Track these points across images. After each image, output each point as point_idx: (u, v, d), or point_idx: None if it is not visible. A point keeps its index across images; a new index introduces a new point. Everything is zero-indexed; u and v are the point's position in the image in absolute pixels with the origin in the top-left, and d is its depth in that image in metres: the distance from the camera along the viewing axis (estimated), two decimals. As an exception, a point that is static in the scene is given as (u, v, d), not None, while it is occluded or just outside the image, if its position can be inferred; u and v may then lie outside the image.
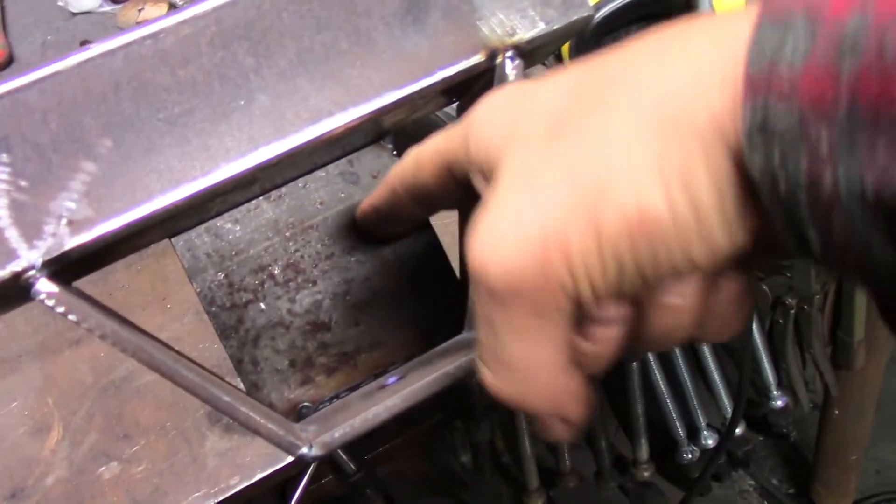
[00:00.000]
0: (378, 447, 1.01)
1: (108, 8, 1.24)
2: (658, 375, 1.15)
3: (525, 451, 1.10)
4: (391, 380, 0.48)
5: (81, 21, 1.24)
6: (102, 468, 0.75)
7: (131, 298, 0.90)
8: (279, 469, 0.74)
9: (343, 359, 0.51)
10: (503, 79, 0.46)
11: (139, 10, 1.20)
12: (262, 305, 0.50)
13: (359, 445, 1.08)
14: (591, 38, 0.92)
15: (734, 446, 1.22)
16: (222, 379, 0.44)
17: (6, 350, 0.88)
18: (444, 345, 0.51)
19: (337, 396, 0.51)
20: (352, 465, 0.97)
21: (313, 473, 0.97)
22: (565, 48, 0.94)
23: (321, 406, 0.51)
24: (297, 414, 0.50)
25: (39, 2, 1.29)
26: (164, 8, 1.17)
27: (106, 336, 0.39)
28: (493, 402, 1.10)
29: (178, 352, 0.42)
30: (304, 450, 0.40)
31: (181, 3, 1.17)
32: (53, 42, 1.22)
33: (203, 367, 0.41)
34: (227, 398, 0.40)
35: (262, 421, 0.40)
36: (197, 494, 0.72)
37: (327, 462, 1.02)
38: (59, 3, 1.24)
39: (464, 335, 0.51)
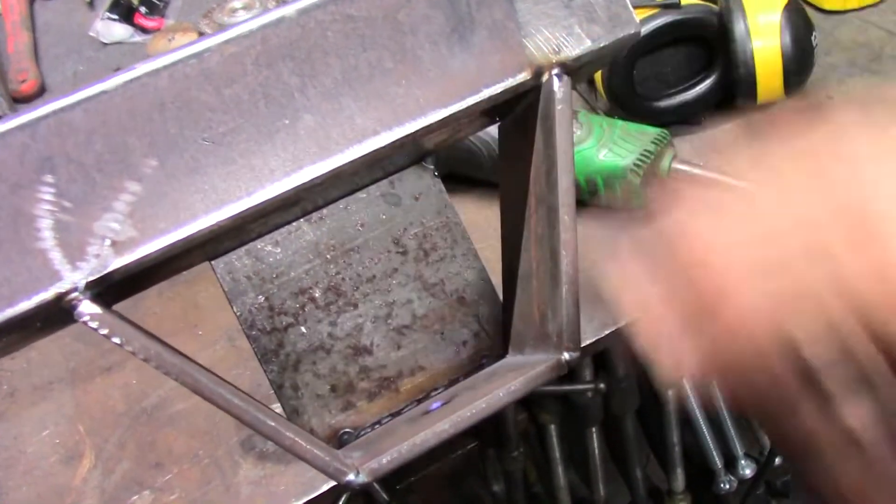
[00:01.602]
0: (410, 476, 1.00)
1: (139, 38, 1.25)
2: (695, 403, 1.12)
3: (558, 482, 1.08)
4: (435, 405, 0.47)
5: (113, 51, 1.25)
6: (135, 497, 0.74)
7: (163, 325, 0.90)
8: (314, 497, 0.73)
9: (385, 383, 0.50)
10: (550, 97, 0.45)
11: (169, 41, 1.21)
12: (303, 329, 0.50)
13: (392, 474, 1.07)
14: (625, 61, 0.91)
15: (773, 476, 1.19)
16: (264, 404, 0.43)
17: (38, 377, 0.88)
18: (489, 369, 0.50)
19: (379, 422, 0.50)
20: (384, 496, 0.95)
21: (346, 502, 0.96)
22: (598, 72, 0.93)
23: (363, 432, 0.50)
24: (338, 440, 0.49)
25: (71, 32, 1.30)
26: (193, 37, 1.18)
27: (150, 359, 0.38)
28: (525, 429, 1.08)
29: (219, 376, 0.41)
30: (351, 476, 0.39)
31: (209, 32, 1.18)
32: (85, 72, 1.23)
33: (244, 392, 0.40)
34: (271, 423, 0.39)
35: (307, 447, 0.39)
36: (231, 524, 0.71)
37: (360, 492, 1.00)
38: (91, 34, 1.25)
39: (508, 359, 0.50)
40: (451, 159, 0.92)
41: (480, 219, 0.83)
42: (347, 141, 0.43)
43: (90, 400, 0.83)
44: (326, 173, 0.42)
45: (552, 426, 1.03)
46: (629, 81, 0.93)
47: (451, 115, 0.44)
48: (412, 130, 0.43)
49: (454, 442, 1.06)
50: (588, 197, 0.87)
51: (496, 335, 0.53)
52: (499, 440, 0.99)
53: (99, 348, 0.86)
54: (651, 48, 0.92)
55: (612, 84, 0.93)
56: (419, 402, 0.50)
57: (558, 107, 0.44)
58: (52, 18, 1.35)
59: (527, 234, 0.48)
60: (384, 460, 0.40)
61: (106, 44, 1.25)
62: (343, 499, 0.90)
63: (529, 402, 1.01)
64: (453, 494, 1.62)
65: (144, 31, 1.25)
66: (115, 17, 1.23)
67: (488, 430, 1.00)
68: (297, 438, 0.39)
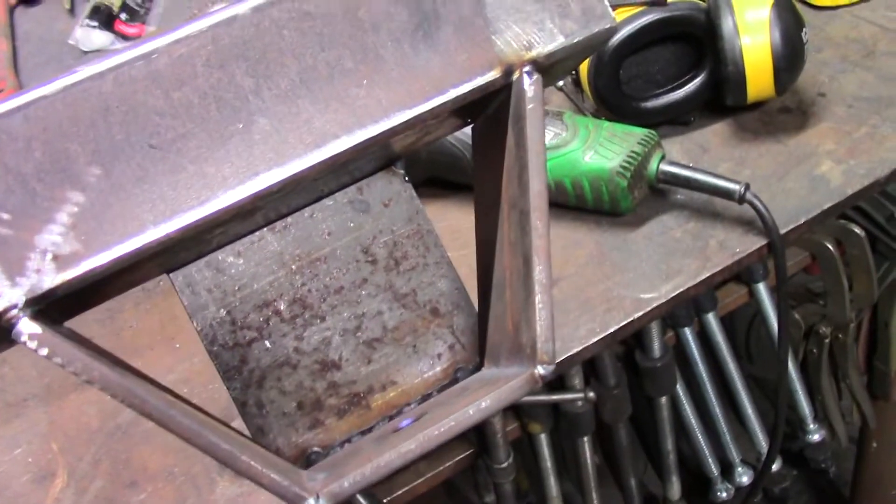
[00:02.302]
0: (397, 489, 0.97)
1: (119, 46, 1.23)
2: (689, 410, 1.10)
3: (550, 491, 1.05)
4: (405, 422, 0.44)
5: (92, 60, 1.23)
6: (108, 517, 0.72)
7: (139, 339, 0.87)
8: (292, 516, 0.70)
9: (354, 400, 0.48)
10: (521, 96, 0.43)
11: (151, 47, 1.19)
12: (268, 344, 0.47)
13: (377, 487, 1.05)
14: (610, 60, 0.89)
15: (770, 483, 1.17)
16: (223, 423, 0.40)
17: (11, 394, 0.85)
18: (462, 383, 0.48)
19: (349, 440, 0.48)
20: (370, 510, 0.93)
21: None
22: (584, 71, 0.91)
23: (332, 451, 0.47)
24: (305, 460, 0.47)
25: (51, 40, 1.28)
26: (175, 43, 1.16)
27: (94, 381, 0.36)
28: (517, 439, 1.05)
29: (176, 394, 0.38)
30: (311, 501, 0.37)
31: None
32: (66, 81, 1.21)
33: (202, 411, 0.38)
34: (225, 445, 0.36)
35: (264, 471, 0.36)
36: (206, 545, 0.68)
37: (345, 506, 0.98)
38: (70, 42, 1.23)
39: (483, 372, 0.48)
40: (432, 164, 0.90)
41: (463, 225, 0.81)
42: (305, 146, 0.40)
43: (64, 417, 0.80)
44: (283, 180, 0.40)
45: (542, 435, 1.00)
46: (615, 82, 0.90)
47: (416, 117, 0.42)
48: (375, 134, 0.41)
49: (442, 452, 1.04)
50: (574, 200, 0.85)
51: (472, 347, 0.50)
52: (488, 449, 0.96)
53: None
54: (637, 47, 0.90)
55: (599, 85, 0.90)
56: (391, 418, 0.48)
57: (529, 106, 0.42)
58: (33, 27, 1.33)
59: (500, 241, 0.45)
60: (345, 483, 0.37)
61: (86, 52, 1.22)
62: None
63: (519, 412, 0.98)
64: (449, 498, 1.59)
65: (125, 38, 1.23)
66: (95, 24, 1.21)
67: (476, 439, 0.97)
68: (252, 462, 0.37)
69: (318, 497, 0.37)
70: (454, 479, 1.50)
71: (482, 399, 0.40)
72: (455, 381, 0.49)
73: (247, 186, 0.39)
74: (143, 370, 0.41)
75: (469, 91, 0.42)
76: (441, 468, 0.99)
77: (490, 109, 0.46)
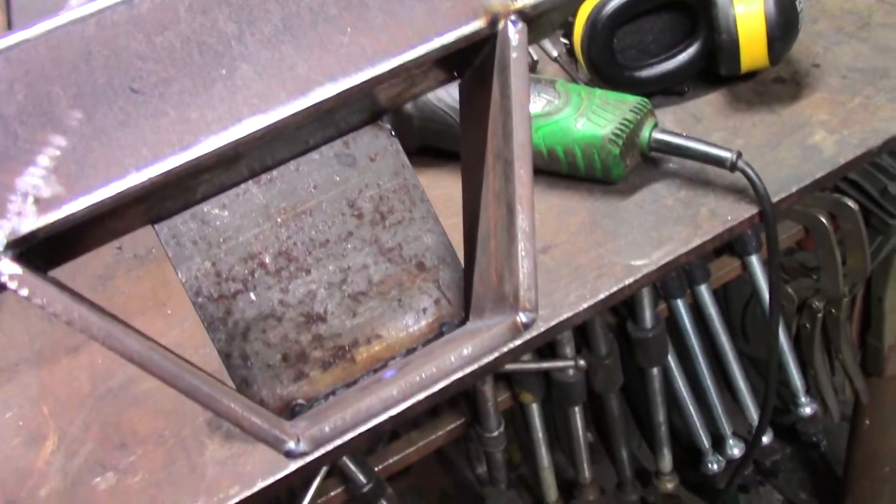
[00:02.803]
0: (389, 457, 0.97)
1: None
2: (681, 382, 1.10)
3: (542, 462, 1.05)
4: (389, 373, 0.44)
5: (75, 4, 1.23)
6: (98, 479, 0.72)
7: (131, 304, 0.87)
8: (282, 478, 0.70)
9: (339, 352, 0.48)
10: (505, 46, 0.42)
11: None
12: (252, 296, 0.47)
13: (369, 456, 1.05)
14: (604, 29, 0.89)
15: (761, 456, 1.17)
16: (208, 374, 0.40)
17: (3, 359, 0.85)
18: (447, 336, 0.48)
19: (333, 393, 0.48)
20: (362, 478, 0.93)
21: (320, 485, 0.94)
22: (578, 41, 0.90)
23: (316, 403, 0.47)
24: (290, 412, 0.47)
25: (46, 10, 1.28)
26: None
27: (74, 323, 0.36)
28: (509, 409, 1.06)
29: (154, 340, 0.38)
30: (291, 445, 0.37)
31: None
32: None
33: (180, 357, 0.38)
34: (206, 389, 0.36)
35: (244, 413, 0.36)
36: (195, 505, 0.69)
37: (337, 474, 0.98)
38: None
39: (468, 325, 0.48)
40: (425, 132, 0.90)
41: (456, 194, 0.81)
42: (289, 93, 0.40)
43: (55, 381, 0.81)
44: (267, 127, 0.40)
45: (534, 405, 1.00)
46: (609, 51, 0.90)
47: (400, 66, 0.42)
48: (359, 82, 0.41)
49: (433, 420, 1.04)
50: (567, 168, 0.85)
51: (458, 302, 0.50)
52: (479, 419, 0.97)
53: (64, 329, 0.84)
54: (631, 16, 0.90)
55: (592, 54, 0.90)
56: (376, 371, 0.48)
57: (514, 55, 0.42)
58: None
59: (485, 193, 0.45)
60: (326, 428, 0.38)
61: None
62: (316, 481, 0.88)
63: (511, 381, 0.99)
64: (443, 480, 1.60)
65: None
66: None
67: (466, 407, 0.98)
68: (233, 405, 0.37)
69: (298, 440, 0.37)
70: (447, 450, 1.50)
71: (464, 347, 0.40)
72: (440, 335, 0.49)
73: (230, 132, 0.39)
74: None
75: (454, 41, 0.42)
76: (433, 437, 0.99)
77: (476, 62, 0.46)
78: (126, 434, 0.74)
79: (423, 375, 0.39)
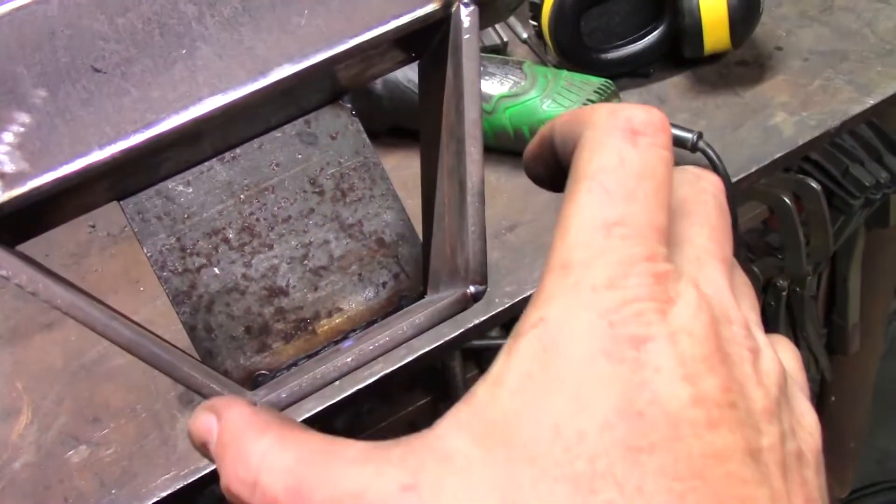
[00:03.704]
0: (359, 433, 0.99)
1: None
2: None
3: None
4: (347, 343, 0.46)
5: None
6: (71, 452, 0.74)
7: (104, 282, 0.89)
8: (251, 450, 0.72)
9: (301, 325, 0.49)
10: (458, 27, 0.44)
11: None
12: (216, 270, 0.49)
13: (342, 433, 1.07)
14: (571, 12, 0.90)
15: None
16: (172, 344, 0.42)
17: (-23, 336, 0.86)
18: (406, 309, 0.50)
19: (295, 364, 0.49)
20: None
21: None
22: (545, 23, 0.92)
23: (279, 374, 0.49)
24: (252, 382, 0.48)
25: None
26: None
27: (38, 293, 0.37)
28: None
29: (119, 313, 0.40)
30: (249, 410, 0.38)
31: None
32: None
33: (145, 328, 0.39)
34: (166, 356, 0.38)
35: (203, 380, 0.38)
36: (166, 476, 0.70)
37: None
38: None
39: (426, 299, 0.50)
40: (395, 112, 0.91)
41: (425, 172, 0.82)
42: (248, 73, 0.41)
43: (29, 357, 0.82)
44: (226, 106, 0.41)
45: (503, 381, 1.02)
46: (576, 33, 0.92)
47: (357, 47, 0.43)
48: (317, 62, 0.42)
49: (410, 394, 1.06)
50: (533, 149, 0.86)
51: (417, 276, 0.52)
52: (449, 394, 0.99)
53: (39, 305, 0.85)
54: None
55: (559, 36, 0.92)
56: (336, 343, 0.50)
57: (465, 36, 0.43)
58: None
59: (440, 170, 0.47)
60: (283, 395, 0.39)
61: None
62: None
63: (479, 358, 1.01)
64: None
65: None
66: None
67: (437, 383, 1.00)
68: (192, 372, 0.39)
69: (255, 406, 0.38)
70: (420, 426, 1.53)
71: (416, 317, 0.42)
72: (399, 308, 0.51)
73: (190, 111, 0.41)
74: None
75: (408, 22, 0.44)
76: (403, 413, 1.01)
77: (433, 44, 0.48)
78: (99, 408, 0.76)
79: (377, 343, 0.41)
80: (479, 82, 0.43)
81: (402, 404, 1.02)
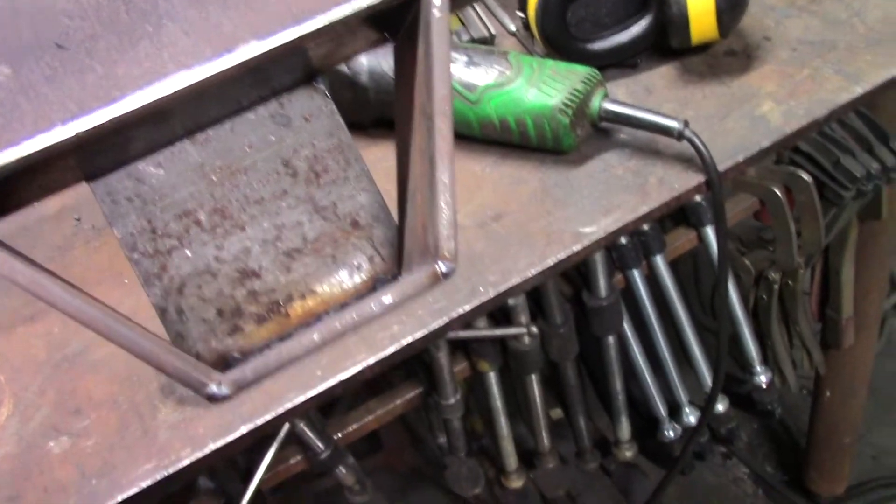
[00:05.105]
0: (349, 425, 0.99)
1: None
2: (638, 352, 1.12)
3: (501, 430, 1.07)
4: (318, 324, 0.46)
5: None
6: (52, 443, 0.73)
7: (88, 275, 0.88)
8: (233, 441, 0.72)
9: (274, 307, 0.49)
10: (429, 6, 0.44)
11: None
12: (188, 252, 0.48)
13: (327, 424, 1.06)
14: (557, 2, 0.90)
15: (717, 424, 1.19)
16: (135, 322, 0.41)
17: (-40, 328, 0.86)
18: (379, 290, 0.49)
19: (268, 346, 0.49)
20: (320, 444, 0.95)
21: (279, 454, 0.95)
22: (532, 14, 0.91)
23: (252, 357, 0.49)
24: (225, 365, 0.48)
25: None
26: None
27: (3, 273, 0.37)
28: (468, 379, 1.07)
29: (80, 289, 0.39)
30: (214, 388, 0.38)
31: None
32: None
33: (108, 306, 0.39)
34: (128, 332, 0.38)
35: (166, 357, 0.38)
36: (147, 467, 0.70)
37: (295, 441, 0.99)
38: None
39: (402, 280, 0.49)
40: (381, 105, 0.90)
41: (410, 162, 0.82)
42: (215, 50, 0.41)
43: (11, 349, 0.81)
44: (193, 84, 0.41)
45: (492, 374, 1.02)
46: (563, 24, 0.91)
47: (326, 25, 0.43)
48: (285, 40, 0.42)
49: (399, 387, 1.05)
50: (519, 138, 0.86)
51: (392, 258, 0.52)
52: (437, 387, 0.98)
53: (22, 298, 0.85)
54: (585, -11, 0.91)
55: (546, 27, 0.91)
56: (309, 326, 0.49)
57: (436, 15, 0.43)
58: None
59: (413, 150, 0.47)
60: (248, 372, 0.39)
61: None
62: (274, 447, 0.90)
63: (468, 350, 1.00)
64: (413, 456, 1.62)
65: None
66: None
67: (423, 374, 0.99)
68: (158, 350, 0.38)
69: (220, 384, 0.38)
70: (411, 421, 1.52)
71: (385, 295, 0.41)
72: (374, 290, 0.50)
73: (156, 88, 0.40)
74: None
75: (378, 1, 0.43)
76: (391, 406, 1.00)
77: (405, 24, 0.47)
78: (81, 400, 0.75)
79: (344, 321, 0.40)
80: (449, 60, 0.42)
81: (389, 397, 1.01)
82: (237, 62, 0.41)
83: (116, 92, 0.40)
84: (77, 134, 0.39)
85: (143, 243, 0.48)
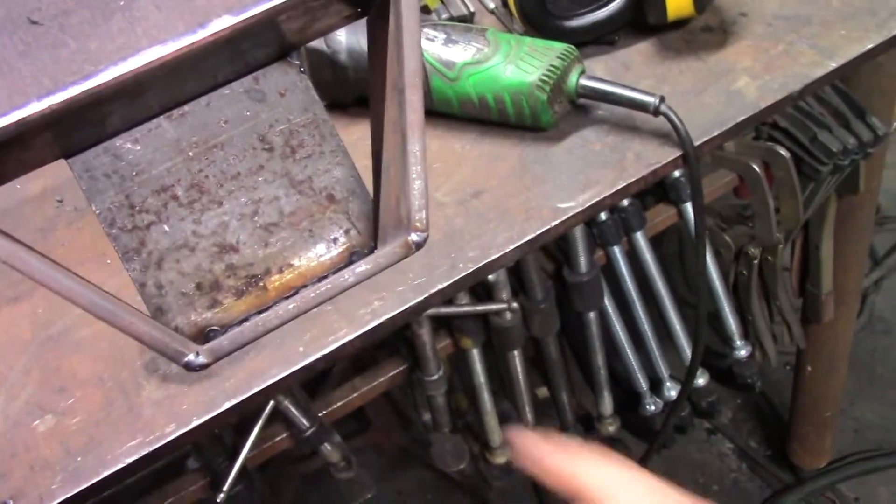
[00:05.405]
0: (334, 402, 1.00)
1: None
2: (618, 327, 1.14)
3: (485, 407, 1.08)
4: (294, 295, 0.47)
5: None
6: (37, 421, 0.74)
7: (71, 255, 0.88)
8: (216, 416, 0.73)
9: (252, 281, 0.50)
10: (399, -20, 0.44)
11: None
12: (166, 227, 0.49)
13: (313, 403, 1.07)
14: (536, -16, 0.90)
15: (698, 397, 1.21)
16: (103, 289, 0.42)
17: (-56, 310, 0.86)
18: (355, 263, 0.50)
19: (247, 319, 0.50)
20: (305, 422, 0.96)
21: (265, 432, 0.96)
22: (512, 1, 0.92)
23: (230, 330, 0.49)
24: (204, 338, 0.49)
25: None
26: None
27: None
28: (452, 356, 1.08)
29: (58, 264, 0.40)
30: (191, 357, 0.39)
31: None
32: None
33: (85, 279, 0.40)
34: (106, 304, 0.38)
35: (143, 327, 0.38)
36: (132, 443, 0.71)
37: (281, 419, 1.00)
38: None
39: (377, 252, 0.50)
40: (361, 83, 0.91)
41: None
42: (187, 24, 0.42)
43: (-4, 329, 0.82)
44: (166, 57, 0.41)
45: (474, 350, 1.03)
46: (540, 1, 0.92)
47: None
48: (257, 13, 0.43)
49: (382, 364, 1.06)
50: (497, 116, 0.87)
51: (367, 231, 0.52)
52: (420, 364, 0.99)
53: (7, 279, 0.85)
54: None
55: (524, 4, 0.92)
56: (287, 298, 0.50)
57: (405, -12, 0.44)
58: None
59: (385, 125, 0.47)
60: (225, 342, 0.40)
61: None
62: (259, 422, 0.91)
63: (451, 326, 1.01)
64: (401, 437, 1.63)
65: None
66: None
67: (405, 350, 1.00)
68: (135, 321, 0.39)
69: (197, 353, 0.39)
70: (398, 401, 1.53)
71: (358, 266, 0.42)
72: (350, 263, 0.51)
73: (129, 63, 0.41)
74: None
75: (349, -26, 0.44)
76: (375, 383, 1.01)
77: (380, 1, 0.48)
78: (66, 378, 0.76)
79: (319, 291, 0.41)
80: (419, 33, 0.43)
81: (373, 375, 1.02)
82: (210, 36, 0.42)
83: (90, 66, 0.40)
84: (51, 108, 0.40)
85: (121, 219, 0.48)
